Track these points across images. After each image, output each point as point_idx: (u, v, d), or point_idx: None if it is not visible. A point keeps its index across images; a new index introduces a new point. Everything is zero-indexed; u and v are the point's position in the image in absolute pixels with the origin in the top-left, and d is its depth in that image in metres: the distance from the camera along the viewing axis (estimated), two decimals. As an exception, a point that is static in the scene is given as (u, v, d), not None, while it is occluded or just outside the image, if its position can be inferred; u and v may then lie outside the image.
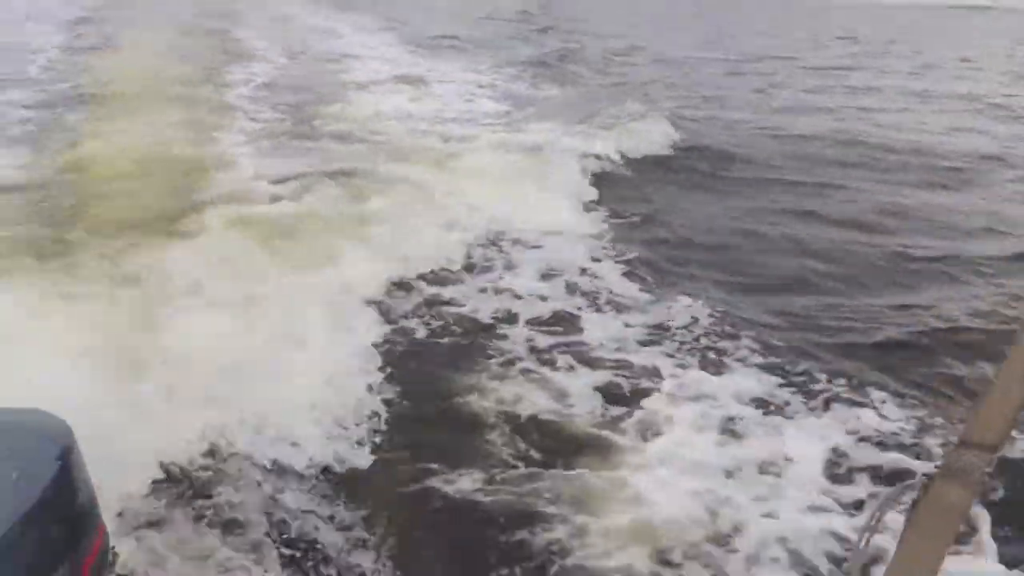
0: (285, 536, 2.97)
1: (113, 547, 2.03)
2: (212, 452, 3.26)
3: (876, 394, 4.13)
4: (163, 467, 3.13)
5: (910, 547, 1.01)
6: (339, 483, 3.29)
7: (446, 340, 4.54)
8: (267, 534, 2.95)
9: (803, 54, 20.65)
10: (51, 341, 3.45)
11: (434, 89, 12.61)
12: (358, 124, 9.47)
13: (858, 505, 3.25)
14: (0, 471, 1.59)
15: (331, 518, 3.10)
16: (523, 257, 5.81)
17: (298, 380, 3.69)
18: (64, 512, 1.68)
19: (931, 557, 1.01)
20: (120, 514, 2.82)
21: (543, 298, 5.15)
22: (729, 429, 3.73)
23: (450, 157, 7.85)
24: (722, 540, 3.03)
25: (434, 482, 3.32)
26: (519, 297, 5.15)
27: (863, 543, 1.08)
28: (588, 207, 7.06)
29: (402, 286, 5.13)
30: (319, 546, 2.95)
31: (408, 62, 15.10)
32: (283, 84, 12.27)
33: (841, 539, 3.04)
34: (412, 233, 5.76)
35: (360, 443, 3.51)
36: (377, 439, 3.58)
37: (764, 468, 3.47)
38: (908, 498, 1.03)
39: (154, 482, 3.06)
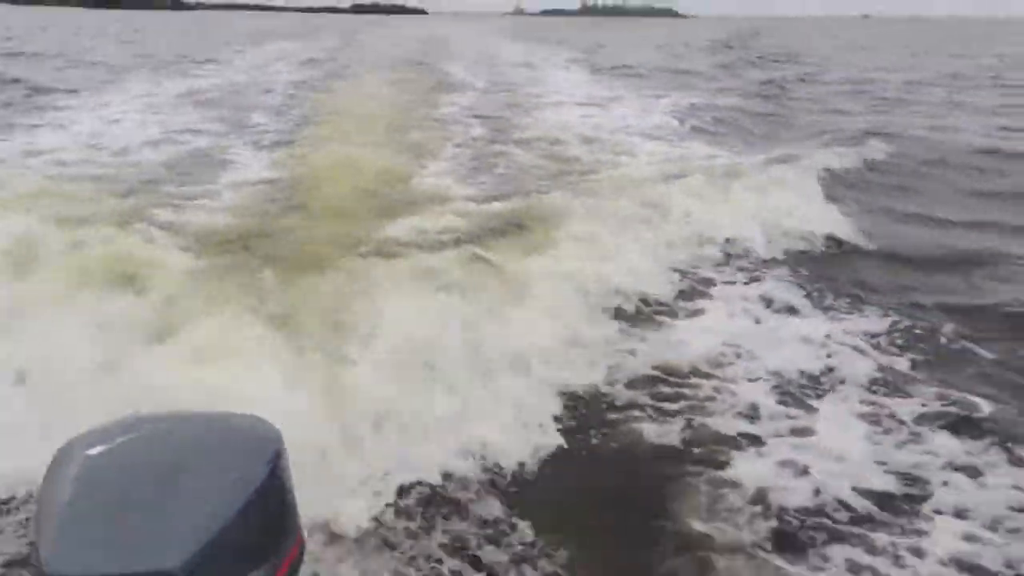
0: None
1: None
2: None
3: None
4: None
5: None
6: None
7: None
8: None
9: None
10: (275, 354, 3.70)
11: (640, 110, 13.06)
12: (560, 144, 9.91)
13: None
14: (216, 469, 1.67)
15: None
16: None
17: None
18: (270, 513, 1.74)
19: None
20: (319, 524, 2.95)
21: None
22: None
23: (664, 178, 7.92)
24: None
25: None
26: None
27: None
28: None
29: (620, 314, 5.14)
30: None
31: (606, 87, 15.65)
32: (485, 110, 13.29)
33: None
34: (629, 253, 5.81)
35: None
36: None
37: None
38: None
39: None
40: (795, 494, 3.45)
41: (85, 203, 7.07)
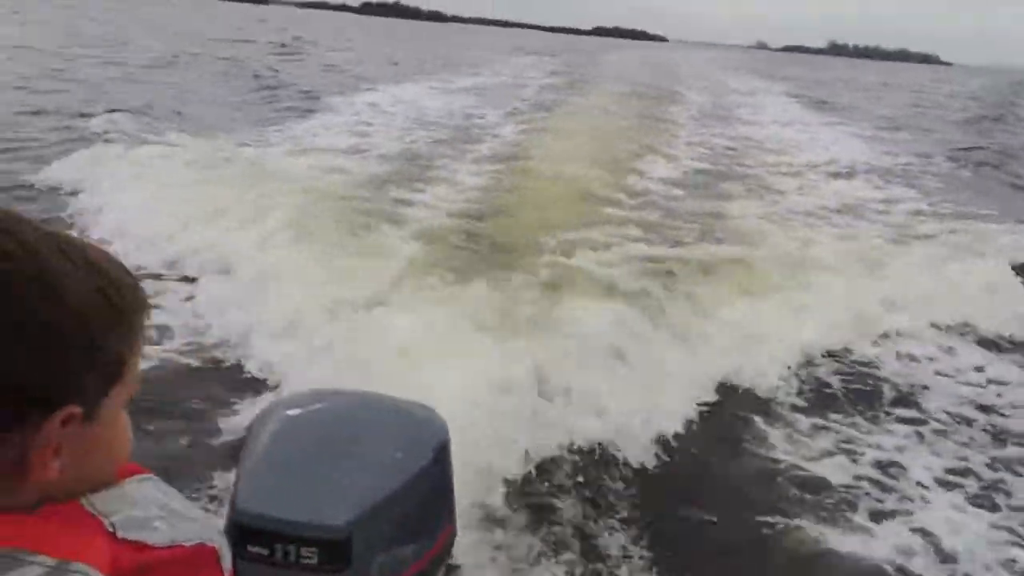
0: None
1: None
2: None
3: None
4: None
5: None
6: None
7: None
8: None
9: None
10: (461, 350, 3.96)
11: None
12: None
13: None
14: (388, 447, 1.86)
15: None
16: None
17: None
18: (429, 497, 1.92)
19: None
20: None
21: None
22: None
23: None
24: None
25: None
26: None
27: None
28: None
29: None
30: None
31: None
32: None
33: None
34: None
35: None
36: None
37: None
38: None
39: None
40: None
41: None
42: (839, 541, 3.33)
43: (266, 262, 5.24)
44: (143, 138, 9.50)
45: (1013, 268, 6.83)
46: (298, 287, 4.78)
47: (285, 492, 1.70)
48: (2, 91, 13.28)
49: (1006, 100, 30.63)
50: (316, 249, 5.46)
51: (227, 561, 0.68)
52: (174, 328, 4.71)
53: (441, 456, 1.96)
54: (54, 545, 0.58)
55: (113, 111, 11.26)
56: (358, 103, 15.18)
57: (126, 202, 6.62)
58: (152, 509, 0.66)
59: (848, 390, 4.78)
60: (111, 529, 0.62)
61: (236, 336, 4.52)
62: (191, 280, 5.39)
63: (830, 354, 5.17)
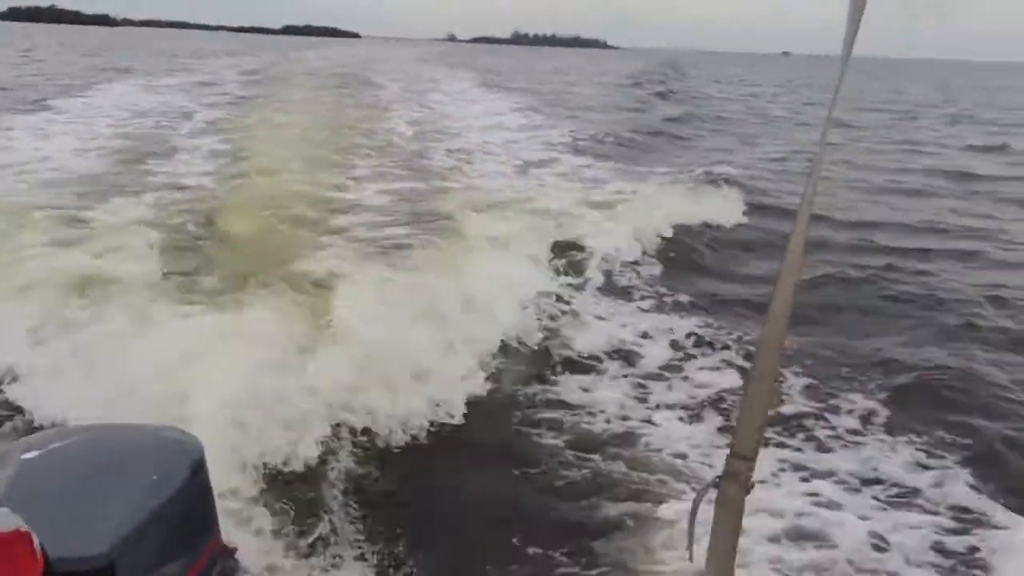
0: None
1: (236, 549, 2.34)
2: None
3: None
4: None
5: (713, 540, 1.25)
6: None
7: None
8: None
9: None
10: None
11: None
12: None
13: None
14: (143, 472, 1.90)
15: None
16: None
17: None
18: (188, 513, 1.98)
19: (727, 547, 1.26)
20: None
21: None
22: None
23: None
24: None
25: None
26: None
27: (689, 546, 1.27)
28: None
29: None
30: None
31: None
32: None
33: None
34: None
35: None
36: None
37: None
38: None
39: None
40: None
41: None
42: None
43: None
44: None
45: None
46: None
47: (37, 533, 1.68)
48: None
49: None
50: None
51: (37, 544, 0.78)
52: None
53: (196, 472, 2.03)
54: None
55: None
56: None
57: None
58: None
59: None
60: None
61: None
62: None
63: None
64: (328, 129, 13.34)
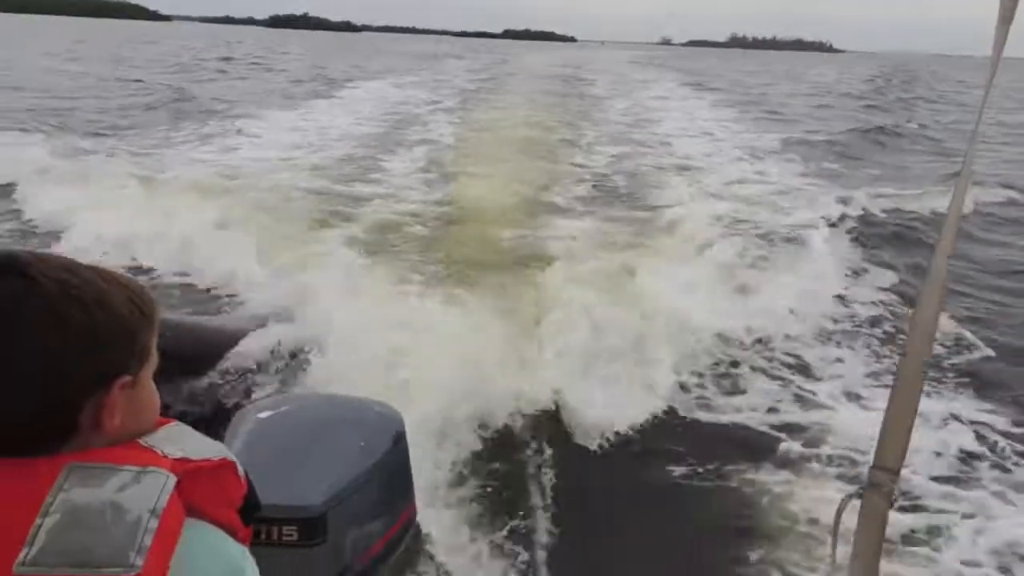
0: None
1: (418, 523, 2.55)
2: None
3: None
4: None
5: (855, 549, 1.14)
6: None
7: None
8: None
9: None
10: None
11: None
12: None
13: None
14: (351, 438, 2.14)
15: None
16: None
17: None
18: (389, 478, 2.19)
19: (870, 558, 1.18)
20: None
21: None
22: None
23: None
24: None
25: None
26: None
27: (832, 553, 1.22)
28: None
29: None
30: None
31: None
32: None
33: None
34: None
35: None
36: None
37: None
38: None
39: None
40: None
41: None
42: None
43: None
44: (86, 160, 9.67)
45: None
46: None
47: (264, 481, 1.94)
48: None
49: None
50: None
51: (242, 472, 0.96)
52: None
53: (398, 443, 2.24)
54: (135, 460, 0.86)
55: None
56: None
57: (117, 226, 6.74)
58: (185, 441, 0.94)
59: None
60: (162, 453, 0.90)
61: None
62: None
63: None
64: (541, 128, 13.80)
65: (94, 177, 8.46)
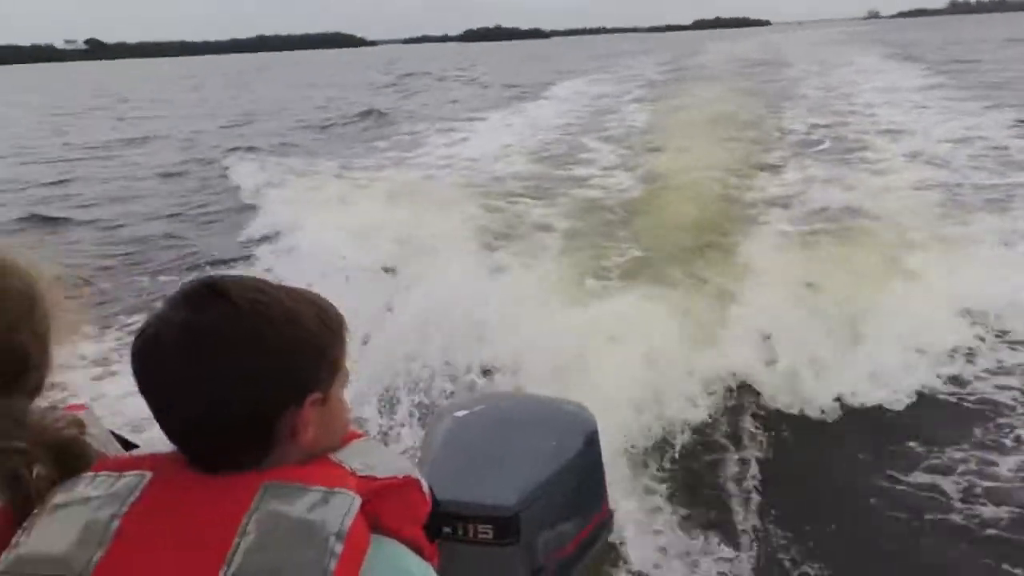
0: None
1: (612, 524, 2.52)
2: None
3: None
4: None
5: None
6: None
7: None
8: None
9: None
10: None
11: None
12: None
13: None
14: (544, 438, 2.15)
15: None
16: None
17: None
18: (582, 479, 2.18)
19: None
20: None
21: None
22: None
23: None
24: None
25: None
26: None
27: None
28: None
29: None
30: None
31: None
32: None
33: None
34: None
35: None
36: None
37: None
38: None
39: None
40: None
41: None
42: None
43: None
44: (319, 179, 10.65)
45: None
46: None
47: (462, 479, 2.01)
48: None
49: None
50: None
51: (426, 488, 0.98)
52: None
53: (591, 443, 2.23)
54: (323, 480, 0.89)
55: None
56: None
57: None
58: (373, 456, 0.97)
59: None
60: (351, 470, 0.93)
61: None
62: None
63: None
64: (735, 123, 13.32)
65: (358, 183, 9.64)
